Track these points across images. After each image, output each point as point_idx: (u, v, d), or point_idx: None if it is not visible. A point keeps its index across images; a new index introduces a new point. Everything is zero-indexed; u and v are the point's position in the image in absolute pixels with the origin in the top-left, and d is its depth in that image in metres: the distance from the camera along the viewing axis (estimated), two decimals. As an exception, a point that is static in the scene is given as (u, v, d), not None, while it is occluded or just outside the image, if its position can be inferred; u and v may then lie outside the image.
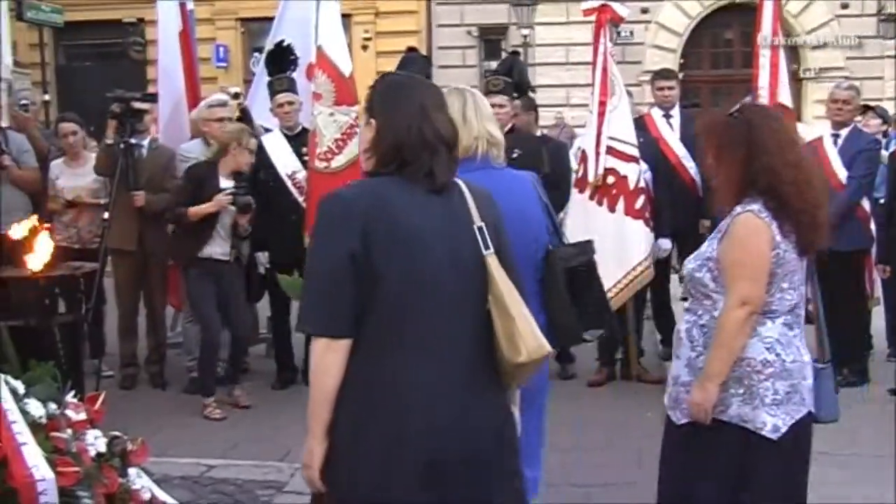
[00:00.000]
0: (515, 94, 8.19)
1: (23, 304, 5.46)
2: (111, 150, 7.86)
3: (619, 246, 7.81)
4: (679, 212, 8.07)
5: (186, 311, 8.36)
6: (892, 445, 6.19)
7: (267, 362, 8.53)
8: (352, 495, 3.03)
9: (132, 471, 3.96)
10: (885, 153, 8.77)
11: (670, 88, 8.68)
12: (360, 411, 2.99)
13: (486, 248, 3.07)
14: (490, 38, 23.49)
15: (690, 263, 3.89)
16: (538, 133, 9.19)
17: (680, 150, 8.29)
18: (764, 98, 8.05)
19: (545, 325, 3.80)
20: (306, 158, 7.84)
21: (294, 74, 8.46)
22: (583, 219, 7.96)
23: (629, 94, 8.52)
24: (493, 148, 4.16)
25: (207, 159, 7.52)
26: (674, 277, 8.79)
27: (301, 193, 7.85)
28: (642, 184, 7.92)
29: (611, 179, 7.91)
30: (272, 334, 8.62)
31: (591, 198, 7.97)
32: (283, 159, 8.08)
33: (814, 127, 12.84)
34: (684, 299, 4.46)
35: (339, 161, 7.40)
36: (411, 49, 9.21)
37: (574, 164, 8.43)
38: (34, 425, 3.55)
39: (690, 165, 8.27)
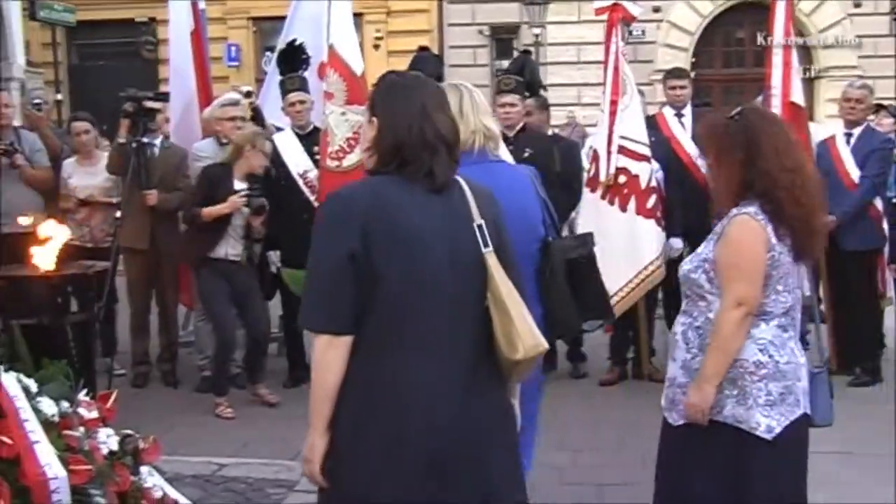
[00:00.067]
0: (527, 94, 8.19)
1: (35, 302, 5.48)
2: (123, 149, 7.88)
3: (631, 245, 7.80)
4: (691, 211, 8.04)
5: (198, 310, 8.38)
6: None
7: (278, 361, 8.54)
8: (352, 492, 3.05)
9: (144, 469, 3.97)
10: (898, 152, 8.74)
11: (682, 88, 8.66)
12: (361, 409, 3.01)
13: (486, 246, 3.09)
14: (502, 37, 23.46)
15: (686, 265, 3.91)
16: (550, 132, 9.17)
17: (692, 150, 8.27)
18: (776, 97, 8.02)
19: (541, 316, 3.82)
20: (318, 157, 7.84)
21: (306, 73, 8.46)
22: (594, 218, 7.95)
23: (641, 93, 8.50)
24: (489, 141, 4.23)
25: (222, 161, 7.53)
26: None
27: (313, 192, 7.85)
28: (654, 183, 7.90)
29: (622, 179, 7.90)
30: (283, 333, 8.64)
31: (603, 197, 7.96)
32: (295, 158, 8.09)
33: (826, 126, 12.78)
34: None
35: (350, 160, 7.39)
36: (423, 48, 9.21)
37: (585, 164, 8.42)
38: (47, 423, 3.55)
39: (702, 164, 8.25)
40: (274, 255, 7.96)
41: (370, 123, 3.16)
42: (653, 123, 8.43)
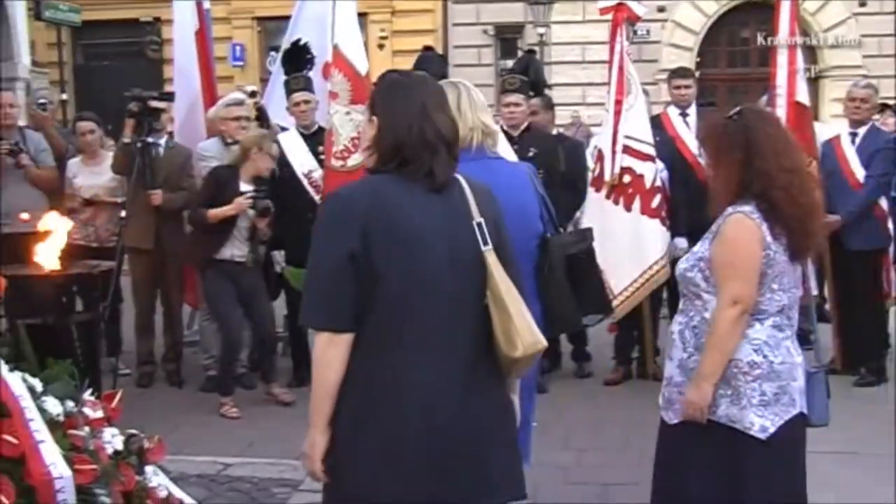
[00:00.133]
0: (531, 93, 8.19)
1: (40, 302, 5.48)
2: (128, 148, 7.88)
3: (636, 245, 7.80)
4: (695, 211, 7.99)
5: (203, 310, 8.39)
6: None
7: (283, 360, 8.54)
8: (351, 491, 3.07)
9: (149, 469, 3.97)
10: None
11: (687, 87, 8.66)
12: (361, 407, 3.03)
13: (485, 244, 3.10)
14: (506, 36, 23.46)
15: (683, 263, 3.93)
16: (554, 132, 9.17)
17: (696, 149, 8.26)
18: (781, 96, 8.01)
19: (540, 313, 3.83)
20: (322, 157, 7.85)
21: (310, 73, 8.47)
22: (599, 218, 7.94)
23: (645, 92, 8.50)
24: (487, 138, 4.25)
25: (229, 163, 7.52)
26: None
27: (317, 192, 7.86)
28: (658, 183, 7.90)
29: (627, 178, 7.89)
30: (288, 333, 8.64)
31: (608, 197, 7.95)
32: (300, 158, 8.09)
33: (831, 125, 12.77)
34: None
35: (355, 160, 7.39)
36: (427, 48, 9.24)
37: (590, 163, 8.42)
38: (52, 423, 3.56)
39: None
40: (279, 255, 7.96)
41: (370, 122, 3.17)
42: (657, 123, 8.43)
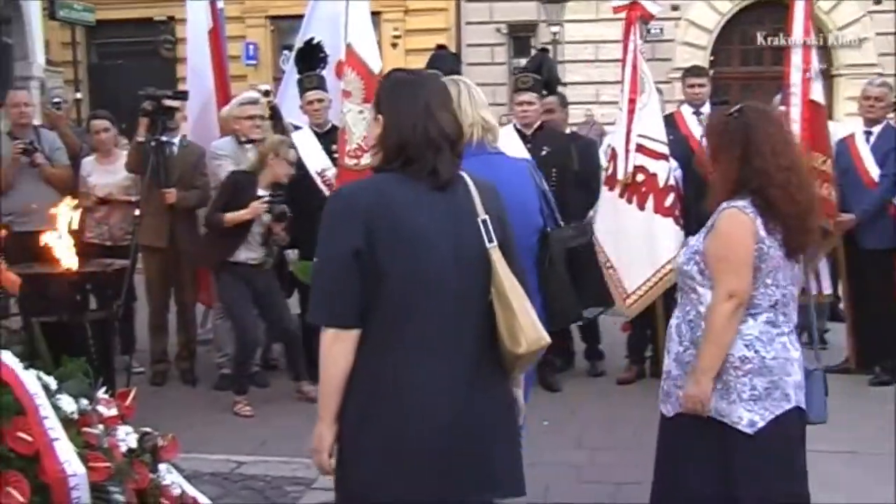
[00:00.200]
0: (545, 92, 8.18)
1: (55, 300, 5.51)
2: (142, 147, 7.89)
3: (649, 244, 7.78)
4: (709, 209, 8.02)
5: (216, 308, 8.40)
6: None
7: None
8: (356, 486, 3.11)
9: (162, 466, 3.98)
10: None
11: (701, 86, 8.64)
12: (366, 403, 3.06)
13: (490, 241, 3.13)
14: (519, 35, 23.45)
15: (680, 257, 4.00)
16: (567, 130, 9.16)
17: (709, 148, 8.24)
18: (796, 95, 7.98)
19: (541, 306, 3.87)
20: (336, 156, 7.85)
21: (323, 72, 8.47)
22: (612, 216, 7.94)
23: (659, 91, 8.47)
24: (487, 133, 4.30)
25: (247, 169, 7.52)
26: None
27: (330, 190, 7.85)
28: (672, 181, 7.87)
29: (640, 177, 7.86)
30: (301, 331, 8.63)
31: (621, 196, 7.93)
32: (313, 157, 8.09)
33: (845, 124, 12.72)
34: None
35: (368, 158, 7.37)
36: (441, 47, 9.20)
37: (603, 162, 8.40)
38: (66, 421, 3.56)
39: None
40: (292, 254, 7.96)
41: (376, 121, 3.20)
42: (671, 121, 8.40)
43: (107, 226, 8.40)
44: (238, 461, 6.10)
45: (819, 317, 9.26)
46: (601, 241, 8.02)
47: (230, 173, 7.59)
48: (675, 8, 22.02)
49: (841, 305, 9.04)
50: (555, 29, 21.61)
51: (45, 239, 5.66)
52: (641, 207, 7.86)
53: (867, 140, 8.16)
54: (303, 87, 8.37)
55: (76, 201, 6.67)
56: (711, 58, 22.39)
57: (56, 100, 9.59)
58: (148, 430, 4.03)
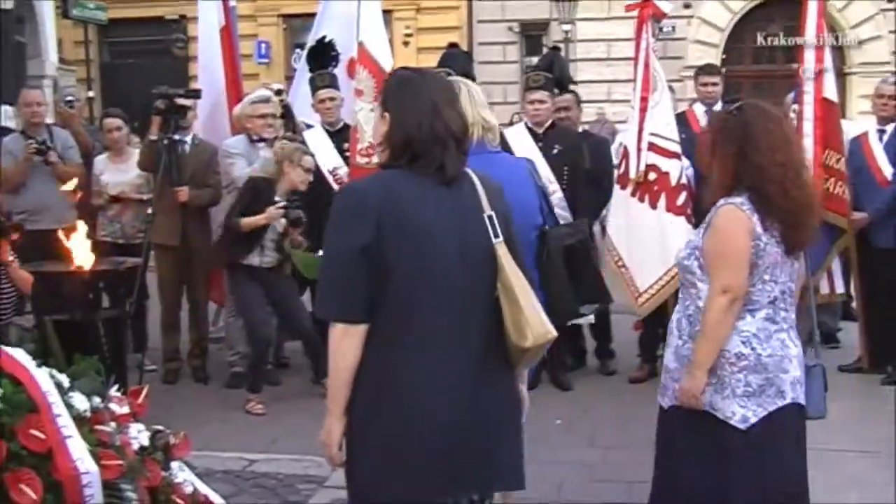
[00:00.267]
0: (557, 90, 8.17)
1: (67, 298, 5.51)
2: (155, 145, 7.91)
3: (661, 243, 7.76)
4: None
5: (229, 306, 8.42)
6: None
7: (307, 357, 8.56)
8: (360, 484, 3.16)
9: (175, 464, 3.98)
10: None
11: (714, 84, 8.63)
12: (374, 397, 3.08)
13: (496, 236, 3.16)
14: (531, 33, 23.44)
15: (681, 252, 4.02)
16: (580, 129, 9.14)
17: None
18: (809, 93, 7.95)
19: (542, 302, 3.92)
20: (348, 154, 7.86)
21: (335, 70, 8.48)
22: (624, 215, 7.93)
23: (671, 89, 8.46)
24: (487, 133, 4.38)
25: (266, 176, 7.53)
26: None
27: (342, 189, 7.85)
28: (684, 180, 7.86)
29: (652, 176, 7.85)
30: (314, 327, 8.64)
31: (633, 194, 7.92)
32: (325, 155, 8.10)
33: (859, 122, 12.69)
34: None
35: (379, 157, 7.39)
36: (452, 45, 9.22)
37: (615, 161, 8.39)
38: (79, 419, 3.57)
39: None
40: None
41: (382, 118, 3.23)
42: (683, 120, 8.39)
43: (119, 224, 8.42)
44: (250, 459, 6.12)
45: (832, 316, 9.24)
46: (613, 240, 8.02)
47: (249, 179, 7.59)
48: (687, 6, 22.00)
49: (853, 304, 9.01)
50: (567, 27, 21.59)
51: (63, 237, 5.66)
52: (653, 206, 7.85)
53: (880, 138, 8.14)
54: (314, 86, 8.38)
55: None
56: (723, 56, 22.34)
57: (69, 98, 9.58)
58: (160, 427, 4.03)
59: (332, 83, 8.34)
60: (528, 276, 3.24)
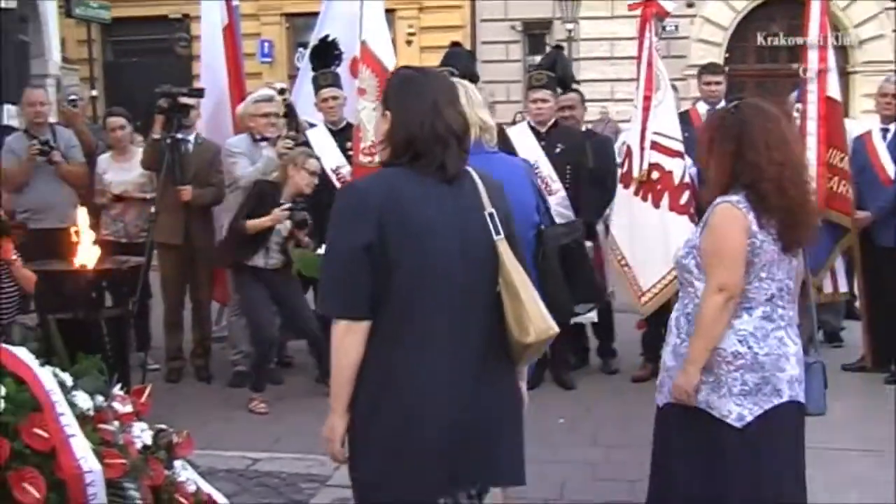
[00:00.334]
0: (559, 90, 8.17)
1: (71, 297, 5.52)
2: (158, 144, 7.91)
3: (664, 242, 7.74)
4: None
5: (231, 306, 8.42)
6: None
7: (310, 356, 8.56)
8: (362, 482, 3.18)
9: (178, 463, 3.98)
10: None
11: (717, 83, 8.62)
12: (376, 394, 3.10)
13: (497, 233, 3.17)
14: (534, 32, 23.42)
15: (679, 251, 4.04)
16: (583, 128, 9.14)
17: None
18: (812, 92, 7.95)
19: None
20: (351, 153, 7.86)
21: (338, 69, 8.48)
22: (627, 214, 7.92)
23: (674, 88, 8.46)
24: (485, 133, 4.44)
25: (271, 180, 7.54)
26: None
27: (345, 188, 7.84)
28: (687, 179, 7.85)
29: (655, 175, 7.84)
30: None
31: (636, 193, 7.91)
32: (328, 154, 8.10)
33: (862, 121, 12.67)
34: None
35: (382, 156, 7.39)
36: (455, 44, 9.21)
37: (618, 160, 8.39)
38: (82, 417, 3.57)
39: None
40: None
41: (383, 117, 3.23)
42: (686, 119, 8.39)
43: (122, 223, 8.43)
44: (253, 458, 6.12)
45: (835, 315, 9.24)
46: (616, 239, 8.01)
47: (255, 182, 7.61)
48: (690, 5, 21.97)
49: (857, 303, 9.00)
50: (570, 26, 21.59)
51: (67, 235, 5.68)
52: (656, 205, 7.84)
53: (884, 137, 8.13)
54: (317, 85, 8.38)
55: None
56: (727, 55, 22.31)
57: (72, 97, 9.59)
58: (163, 426, 4.03)
59: (335, 82, 8.34)
60: (528, 273, 3.26)
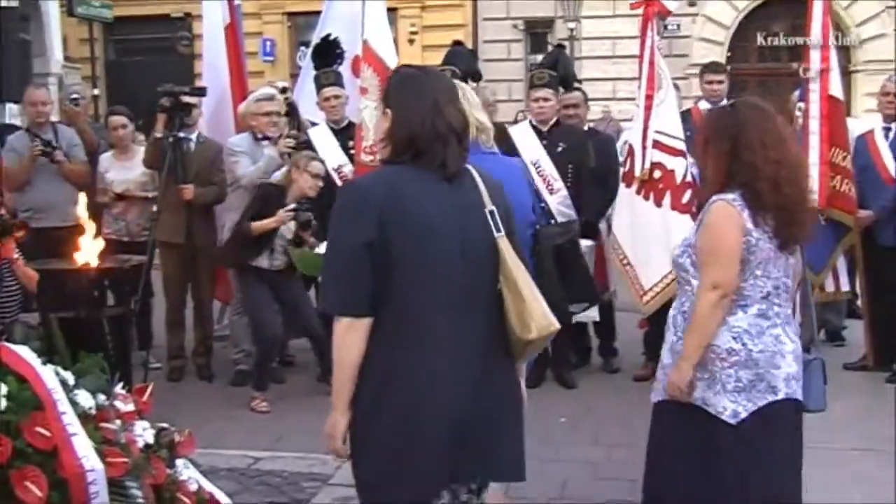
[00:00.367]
0: (562, 89, 8.17)
1: (72, 296, 5.51)
2: (160, 143, 7.91)
3: (666, 241, 7.72)
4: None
5: (233, 304, 8.42)
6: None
7: (312, 355, 8.56)
8: (363, 477, 3.19)
9: (179, 462, 3.98)
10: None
11: (719, 82, 8.62)
12: (378, 392, 3.10)
13: (498, 231, 3.18)
14: (536, 31, 23.43)
15: (676, 250, 4.08)
16: (585, 127, 9.14)
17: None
18: (815, 91, 7.95)
19: None
20: (353, 152, 7.86)
21: (340, 68, 8.48)
22: (629, 213, 7.91)
23: (676, 87, 8.45)
24: (482, 134, 4.49)
25: (277, 183, 7.56)
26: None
27: (347, 187, 7.84)
28: (689, 178, 7.84)
29: (657, 174, 7.83)
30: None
31: (638, 192, 7.89)
32: (330, 153, 8.10)
33: (864, 120, 12.66)
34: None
35: (384, 155, 7.39)
36: (457, 43, 9.21)
37: (620, 159, 8.38)
38: (84, 416, 3.57)
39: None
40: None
41: (384, 115, 3.24)
42: (688, 118, 8.39)
43: (124, 222, 8.43)
44: (255, 457, 6.12)
45: (837, 314, 9.23)
46: (618, 238, 8.00)
47: (260, 186, 7.62)
48: (692, 4, 21.97)
49: (858, 302, 9.00)
50: (572, 25, 21.59)
51: (69, 234, 5.68)
52: (658, 204, 7.83)
53: (886, 136, 8.13)
54: (319, 84, 8.38)
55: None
56: (728, 54, 22.30)
57: (74, 96, 9.58)
58: (165, 425, 4.03)
59: (337, 81, 8.34)
60: (528, 271, 3.27)
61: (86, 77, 21.24)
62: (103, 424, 3.66)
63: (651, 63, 7.98)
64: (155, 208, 7.78)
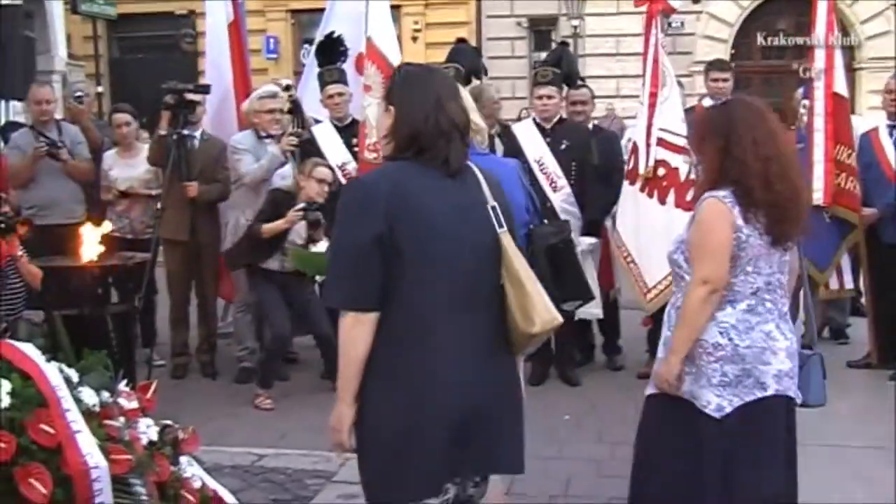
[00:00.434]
0: (566, 85, 8.17)
1: (77, 293, 5.53)
2: (164, 140, 7.91)
3: (669, 238, 7.71)
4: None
5: (237, 302, 8.42)
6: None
7: (316, 352, 8.56)
8: (367, 476, 3.21)
9: (183, 459, 3.98)
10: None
11: (724, 80, 8.61)
12: (382, 388, 3.12)
13: (500, 226, 3.21)
14: (540, 28, 23.43)
15: (670, 247, 4.11)
16: (590, 124, 9.14)
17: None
18: (819, 88, 7.94)
19: None
20: (356, 149, 7.86)
21: (344, 66, 8.48)
22: (633, 211, 7.91)
23: (680, 84, 8.44)
24: (476, 135, 4.43)
25: (286, 189, 7.57)
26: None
27: (351, 185, 7.85)
28: (693, 176, 7.83)
29: (661, 171, 7.82)
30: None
31: (642, 190, 7.89)
32: (334, 150, 8.10)
33: (868, 118, 12.64)
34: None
35: (388, 152, 7.40)
36: (461, 40, 9.21)
37: (624, 156, 8.38)
38: (87, 413, 3.57)
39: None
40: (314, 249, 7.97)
41: (387, 112, 3.27)
42: (692, 115, 8.36)
43: (128, 219, 8.44)
44: (258, 454, 6.12)
45: (841, 311, 9.23)
46: (622, 235, 8.00)
47: (271, 190, 7.67)
48: (696, 1, 21.93)
49: (862, 300, 9.00)
50: (575, 22, 21.58)
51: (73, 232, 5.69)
52: (662, 202, 7.82)
53: (890, 134, 8.12)
54: (323, 81, 8.38)
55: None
56: (732, 51, 22.28)
57: (78, 94, 9.59)
58: (169, 422, 4.03)
59: (341, 78, 8.33)
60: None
61: (90, 74, 21.28)
62: (107, 421, 3.66)
63: (655, 60, 7.97)
64: (159, 205, 7.77)
